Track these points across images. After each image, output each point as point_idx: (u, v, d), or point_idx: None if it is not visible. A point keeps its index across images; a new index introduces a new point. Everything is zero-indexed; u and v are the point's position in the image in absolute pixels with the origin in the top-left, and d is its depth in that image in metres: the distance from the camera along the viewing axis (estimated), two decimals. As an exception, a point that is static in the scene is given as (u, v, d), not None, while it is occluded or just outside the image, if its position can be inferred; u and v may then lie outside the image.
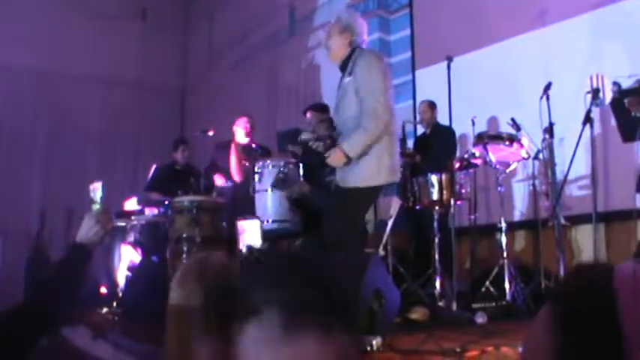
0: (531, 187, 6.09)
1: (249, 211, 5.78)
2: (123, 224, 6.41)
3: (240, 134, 6.86)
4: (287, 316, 0.74)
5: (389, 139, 4.22)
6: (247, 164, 6.46)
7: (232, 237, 5.19)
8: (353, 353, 0.75)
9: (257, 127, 7.49)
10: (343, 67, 4.30)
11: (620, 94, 4.53)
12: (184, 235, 5.13)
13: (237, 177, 6.56)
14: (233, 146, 6.59)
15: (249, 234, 5.25)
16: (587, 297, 0.95)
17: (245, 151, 6.74)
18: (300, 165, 5.68)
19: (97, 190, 2.50)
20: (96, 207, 2.45)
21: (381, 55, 4.57)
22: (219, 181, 6.67)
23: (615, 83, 4.57)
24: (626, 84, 4.62)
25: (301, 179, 5.49)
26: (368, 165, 4.14)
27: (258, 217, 5.48)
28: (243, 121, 6.93)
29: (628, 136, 4.70)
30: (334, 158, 4.14)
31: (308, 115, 6.45)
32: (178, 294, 1.88)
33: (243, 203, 6.16)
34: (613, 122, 5.05)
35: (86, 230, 2.32)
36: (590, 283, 0.97)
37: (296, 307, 0.73)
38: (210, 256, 2.01)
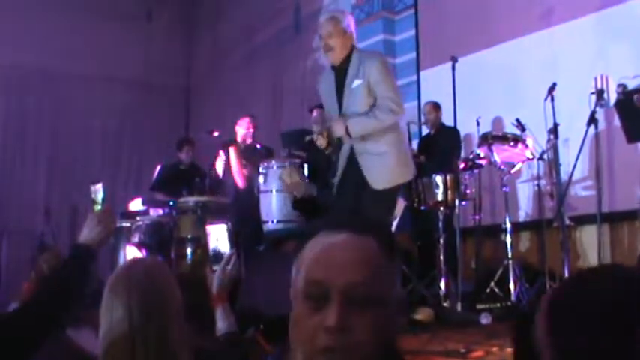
0: (536, 188, 6.08)
1: (253, 212, 5.79)
2: (128, 224, 6.42)
3: (243, 135, 6.88)
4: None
5: (400, 136, 4.31)
6: (247, 171, 6.48)
7: (202, 240, 5.15)
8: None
9: (261, 127, 7.50)
10: (341, 68, 4.25)
11: (625, 94, 4.52)
12: (189, 236, 5.14)
13: (239, 182, 6.58)
14: (233, 150, 6.59)
15: (215, 238, 5.23)
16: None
17: (247, 153, 6.75)
18: (305, 166, 5.69)
19: (98, 191, 2.52)
20: (97, 208, 2.46)
21: (385, 57, 4.58)
22: (219, 165, 6.68)
23: (621, 85, 4.57)
24: (631, 84, 4.61)
25: (306, 180, 5.49)
26: (395, 162, 4.18)
27: (225, 222, 5.46)
28: (246, 122, 6.95)
29: (633, 136, 4.70)
30: (335, 124, 4.17)
31: (314, 113, 6.46)
32: (107, 300, 1.91)
33: (245, 203, 6.19)
34: (617, 123, 5.04)
35: (89, 231, 2.33)
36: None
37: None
38: (138, 262, 2.03)
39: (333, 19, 4.25)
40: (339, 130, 4.15)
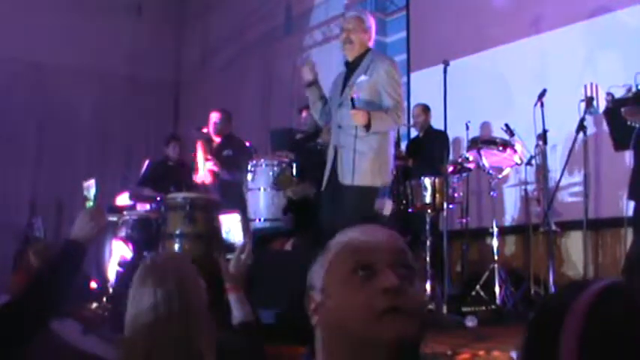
0: (523, 193, 6.12)
1: (236, 209, 5.77)
2: (114, 219, 6.38)
3: (210, 130, 6.78)
4: None
5: (388, 140, 4.44)
6: (214, 164, 6.43)
7: (214, 231, 5.16)
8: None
9: (250, 125, 7.46)
10: (354, 63, 4.48)
11: (614, 103, 4.56)
12: (178, 232, 5.11)
13: (205, 179, 6.52)
14: (199, 144, 6.57)
15: (228, 227, 5.23)
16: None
17: (216, 151, 6.68)
18: (294, 165, 5.69)
19: (90, 187, 2.53)
20: (89, 204, 2.47)
21: (395, 61, 4.84)
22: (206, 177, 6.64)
23: (609, 94, 4.61)
24: (620, 93, 4.64)
25: (296, 179, 5.51)
26: (371, 163, 4.30)
27: (237, 211, 5.47)
28: (213, 117, 6.81)
29: (620, 144, 4.73)
30: (358, 113, 4.23)
31: (304, 113, 6.46)
32: (136, 293, 1.93)
33: (230, 200, 6.17)
34: (606, 130, 5.08)
35: (80, 227, 2.34)
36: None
37: None
38: (165, 256, 2.05)
39: (359, 17, 4.58)
40: (360, 119, 4.23)
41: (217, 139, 6.77)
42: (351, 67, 4.51)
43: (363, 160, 4.28)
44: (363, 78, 4.38)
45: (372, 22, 4.61)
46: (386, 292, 1.15)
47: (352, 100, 4.27)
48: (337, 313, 1.19)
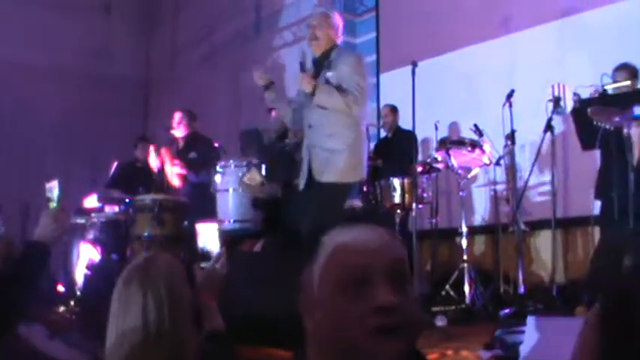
0: (492, 193, 6.16)
1: (207, 211, 5.73)
2: (82, 221, 6.30)
3: (175, 132, 6.75)
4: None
5: (361, 137, 4.49)
6: (181, 167, 6.38)
7: (192, 238, 5.15)
8: None
9: (221, 125, 7.39)
10: (320, 61, 4.54)
11: (581, 103, 4.60)
12: (146, 234, 5.07)
13: (175, 181, 6.48)
14: (163, 152, 6.53)
15: (205, 236, 5.20)
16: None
17: (181, 153, 6.64)
18: (262, 165, 5.67)
19: (53, 188, 2.48)
20: (53, 205, 2.43)
21: (362, 58, 4.87)
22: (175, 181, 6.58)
23: (576, 94, 4.65)
24: (587, 93, 4.69)
25: (264, 179, 5.49)
26: (346, 160, 4.34)
27: (217, 220, 5.44)
28: (176, 117, 6.81)
29: (587, 144, 4.78)
30: (305, 77, 4.39)
31: (273, 113, 6.43)
32: (121, 294, 1.89)
33: (200, 203, 6.12)
34: (573, 130, 5.13)
35: (44, 228, 2.30)
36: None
37: None
38: (156, 258, 2.01)
39: (324, 14, 4.66)
40: (307, 86, 4.35)
41: (182, 141, 6.75)
42: (318, 65, 4.56)
43: (336, 158, 4.33)
44: (329, 73, 4.44)
45: (339, 20, 4.66)
46: (380, 310, 1.09)
47: (301, 64, 4.44)
48: (329, 322, 1.14)
